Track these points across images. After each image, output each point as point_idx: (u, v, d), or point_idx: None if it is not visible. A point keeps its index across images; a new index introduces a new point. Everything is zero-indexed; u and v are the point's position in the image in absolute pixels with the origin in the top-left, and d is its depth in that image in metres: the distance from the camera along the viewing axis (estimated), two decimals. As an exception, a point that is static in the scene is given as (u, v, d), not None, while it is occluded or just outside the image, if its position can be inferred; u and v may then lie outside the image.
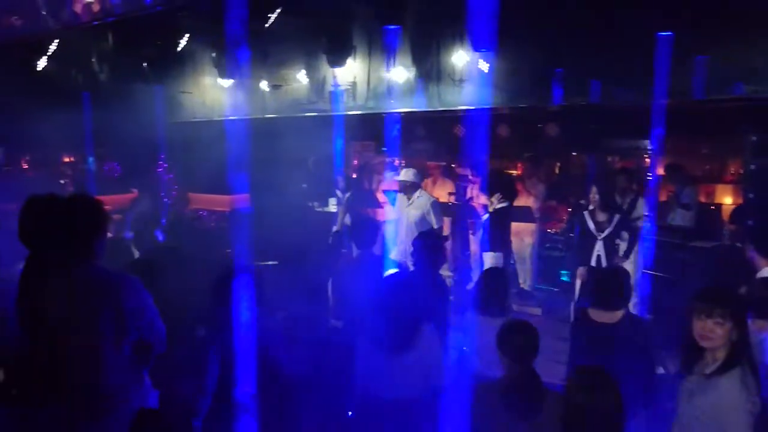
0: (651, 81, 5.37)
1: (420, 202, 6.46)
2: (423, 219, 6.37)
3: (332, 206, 9.05)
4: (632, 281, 5.63)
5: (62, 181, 13.97)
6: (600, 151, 9.60)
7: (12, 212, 3.82)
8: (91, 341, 2.70)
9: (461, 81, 6.42)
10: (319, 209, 9.48)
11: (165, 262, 3.92)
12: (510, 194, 6.50)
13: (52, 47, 7.24)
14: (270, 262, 6.10)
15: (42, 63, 7.40)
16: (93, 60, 7.22)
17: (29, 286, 2.95)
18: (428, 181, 8.22)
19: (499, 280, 3.89)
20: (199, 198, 10.51)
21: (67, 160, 16.58)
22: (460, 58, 6.54)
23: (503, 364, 2.86)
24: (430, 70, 6.49)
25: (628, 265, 5.63)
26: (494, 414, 2.76)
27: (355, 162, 12.58)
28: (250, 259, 5.85)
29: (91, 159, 15.35)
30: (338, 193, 8.16)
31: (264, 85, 8.05)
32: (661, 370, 3.73)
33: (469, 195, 7.90)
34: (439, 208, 6.62)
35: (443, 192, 7.95)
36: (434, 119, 7.96)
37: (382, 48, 6.65)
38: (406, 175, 6.59)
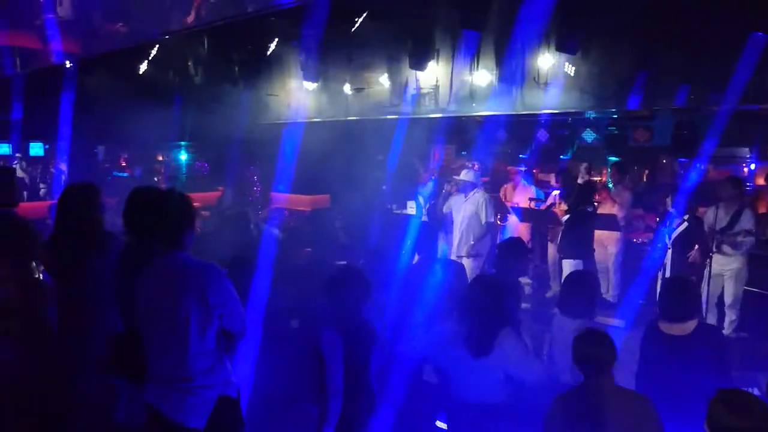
0: (743, 84, 5.07)
1: (475, 197, 6.56)
2: (475, 214, 6.51)
3: (410, 209, 9.08)
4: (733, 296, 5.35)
5: (156, 178, 14.82)
6: (691, 157, 9.13)
7: (110, 206, 4.11)
8: (178, 326, 2.86)
9: (546, 84, 6.28)
10: (398, 212, 9.54)
11: (250, 258, 4.10)
12: (588, 200, 6.29)
13: (153, 52, 7.68)
14: (343, 263, 6.19)
15: (143, 67, 7.86)
16: (189, 64, 7.61)
17: (125, 271, 3.17)
18: (508, 186, 8.08)
19: (584, 280, 3.80)
20: (281, 197, 10.84)
21: (160, 158, 17.53)
22: (546, 60, 6.40)
23: (581, 372, 2.79)
24: (514, 73, 6.39)
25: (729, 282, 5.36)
26: (570, 423, 2.70)
27: (433, 165, 12.57)
28: (329, 258, 5.98)
29: (182, 158, 16.19)
30: (420, 198, 8.17)
31: (347, 88, 8.19)
32: (755, 391, 3.51)
33: (550, 201, 7.73)
34: (493, 204, 6.71)
35: (523, 197, 7.79)
36: (516, 123, 7.84)
37: (466, 51, 6.61)
38: (467, 175, 6.74)
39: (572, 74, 6.31)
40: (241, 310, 3.01)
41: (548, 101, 6.38)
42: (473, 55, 6.61)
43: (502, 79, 6.47)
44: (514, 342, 3.19)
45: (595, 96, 6.41)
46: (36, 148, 11.49)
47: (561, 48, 5.85)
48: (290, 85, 8.78)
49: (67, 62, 8.41)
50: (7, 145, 11.29)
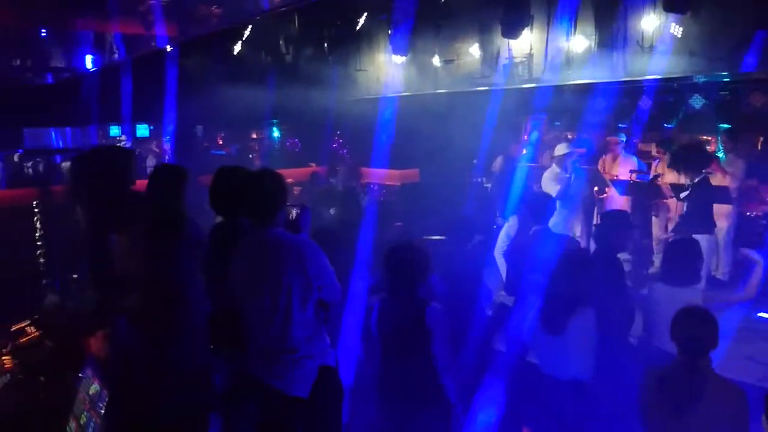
0: None
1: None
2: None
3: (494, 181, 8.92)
4: None
5: (251, 155, 15.37)
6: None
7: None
8: (281, 298, 2.94)
9: (651, 47, 5.87)
10: (488, 185, 9.39)
11: (339, 233, 4.16)
12: (704, 166, 5.88)
13: (247, 33, 7.88)
14: (436, 237, 6.17)
15: (237, 48, 8.08)
16: (280, 42, 7.74)
17: (221, 248, 3.29)
18: (607, 158, 7.70)
19: (687, 247, 3.61)
20: (370, 172, 10.92)
21: (254, 136, 18.15)
22: (651, 22, 5.96)
23: (678, 349, 2.65)
24: (615, 37, 6.00)
25: None
26: (662, 402, 2.60)
27: (525, 137, 12.20)
28: (418, 232, 5.98)
29: (275, 135, 16.68)
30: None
31: (435, 60, 8.05)
32: None
33: (653, 173, 7.31)
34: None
35: (624, 169, 7.41)
36: (616, 90, 7.41)
37: (562, 15, 6.29)
38: (562, 149, 6.70)
39: (680, 36, 5.85)
40: (336, 282, 3.07)
41: (653, 66, 5.96)
42: (571, 20, 6.27)
43: (602, 44, 6.10)
44: (584, 323, 3.12)
45: (705, 58, 5.92)
46: (142, 130, 12.21)
47: (670, 7, 5.42)
48: (379, 60, 8.75)
49: (168, 46, 8.80)
50: (117, 126, 12.05)
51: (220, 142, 16.76)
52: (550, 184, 6.67)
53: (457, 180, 9.23)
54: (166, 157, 15.34)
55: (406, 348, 3.09)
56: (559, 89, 7.70)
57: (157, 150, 14.36)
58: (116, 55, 8.61)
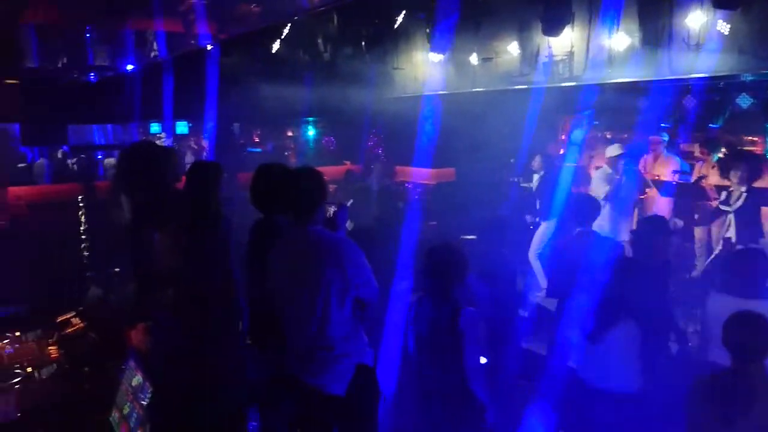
0: None
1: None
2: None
3: (536, 182, 8.81)
4: None
5: (286, 153, 15.50)
6: None
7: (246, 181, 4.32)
8: (319, 295, 2.94)
9: (697, 45, 5.70)
10: (525, 185, 9.27)
11: (375, 231, 4.16)
12: (755, 173, 5.71)
13: (285, 31, 7.93)
14: (469, 237, 6.12)
15: (275, 46, 8.14)
16: (318, 41, 7.76)
17: (261, 245, 3.31)
18: (649, 157, 7.53)
19: (752, 257, 3.46)
20: (405, 171, 10.91)
21: (290, 134, 18.28)
22: (697, 18, 5.80)
23: (730, 356, 2.56)
24: (660, 35, 5.85)
25: None
26: (712, 409, 2.52)
27: (563, 137, 12.01)
28: (452, 232, 5.93)
29: (310, 133, 16.78)
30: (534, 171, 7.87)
31: (473, 58, 7.97)
32: None
33: (697, 174, 7.12)
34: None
35: (666, 170, 7.23)
36: (660, 89, 7.23)
37: (605, 12, 6.16)
38: (615, 150, 6.62)
39: (728, 33, 5.67)
40: (373, 281, 3.06)
41: (700, 64, 5.78)
42: (614, 17, 6.13)
43: (646, 41, 5.94)
44: (627, 332, 3.04)
45: (754, 56, 5.71)
46: (181, 127, 12.41)
47: (718, 4, 5.25)
48: (416, 58, 8.72)
49: (209, 45, 8.92)
50: (158, 124, 12.29)
51: (256, 140, 16.94)
52: (600, 186, 6.60)
53: (494, 179, 9.14)
54: (204, 154, 15.60)
55: (439, 349, 3.07)
56: (598, 87, 7.55)
57: (195, 147, 14.60)
58: (158, 54, 8.77)
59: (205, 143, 15.98)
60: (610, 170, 6.69)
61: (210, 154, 14.98)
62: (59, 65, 8.56)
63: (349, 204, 6.14)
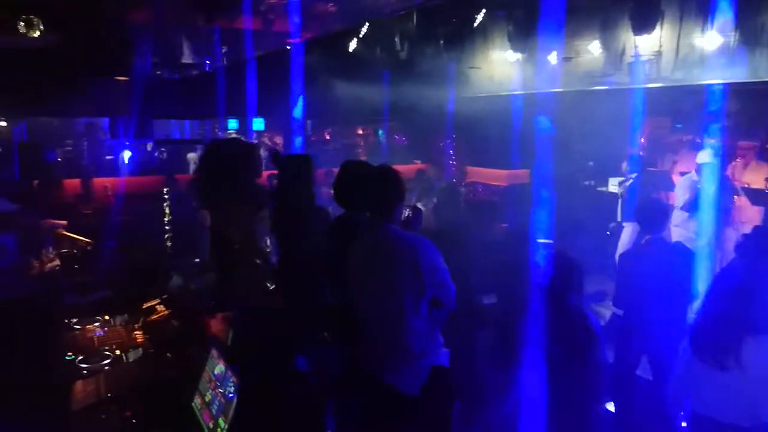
0: None
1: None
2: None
3: (612, 186, 8.54)
4: None
5: (357, 151, 15.64)
6: None
7: (317, 178, 4.37)
8: (394, 294, 2.94)
9: (801, 45, 5.34)
10: (601, 189, 9.01)
11: (448, 233, 4.12)
12: None
13: (363, 30, 7.98)
14: (544, 240, 5.97)
15: (352, 45, 8.21)
16: (395, 40, 7.77)
17: (340, 241, 3.35)
18: (738, 164, 7.14)
19: None
20: (477, 171, 10.79)
21: (360, 132, 18.44)
22: (801, 16, 5.42)
23: None
24: (759, 34, 5.50)
25: None
26: None
27: (642, 140, 11.55)
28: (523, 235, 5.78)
29: (381, 131, 16.86)
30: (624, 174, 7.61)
31: (552, 57, 7.77)
32: None
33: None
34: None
35: (758, 177, 6.85)
36: (753, 91, 6.82)
37: (698, 10, 5.85)
38: (706, 156, 6.32)
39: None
40: (450, 282, 3.04)
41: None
42: (707, 15, 5.82)
43: (742, 41, 5.61)
44: (762, 357, 2.74)
45: None
46: (258, 123, 12.74)
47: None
48: (493, 57, 8.58)
49: (290, 45, 9.11)
50: (235, 120, 12.66)
51: (327, 137, 17.19)
52: (684, 192, 6.31)
53: (569, 182, 8.90)
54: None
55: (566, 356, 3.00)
56: (684, 89, 7.19)
57: (269, 143, 14.97)
58: (239, 53, 9.04)
59: (278, 139, 16.38)
60: (697, 177, 6.37)
61: (284, 150, 15.34)
62: (148, 63, 8.98)
63: (432, 203, 6.15)
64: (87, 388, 3.00)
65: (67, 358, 3.33)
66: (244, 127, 13.22)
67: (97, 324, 3.86)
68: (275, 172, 4.15)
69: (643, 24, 5.51)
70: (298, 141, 10.50)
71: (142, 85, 10.48)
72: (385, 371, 3.03)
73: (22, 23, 6.76)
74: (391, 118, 12.49)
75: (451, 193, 5.49)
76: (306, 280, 3.68)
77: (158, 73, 10.23)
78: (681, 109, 8.87)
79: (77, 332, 3.74)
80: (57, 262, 5.58)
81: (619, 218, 7.72)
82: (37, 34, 6.79)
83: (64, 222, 5.94)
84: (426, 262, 2.95)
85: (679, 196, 6.46)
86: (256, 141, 11.52)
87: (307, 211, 3.75)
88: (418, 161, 11.82)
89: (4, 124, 14.83)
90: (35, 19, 6.71)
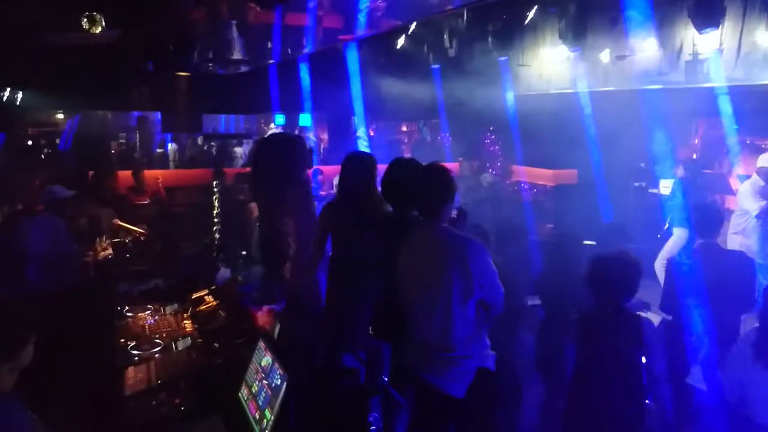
0: None
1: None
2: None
3: (663, 188, 8.26)
4: None
5: (401, 148, 15.62)
6: None
7: None
8: (441, 294, 2.92)
9: None
10: (652, 191, 8.75)
11: (495, 232, 4.06)
12: None
13: (412, 27, 7.95)
14: (588, 242, 5.83)
15: (400, 42, 8.19)
16: (444, 36, 7.70)
17: (389, 238, 3.33)
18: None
19: None
20: (523, 170, 10.62)
21: (404, 128, 18.39)
22: None
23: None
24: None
25: None
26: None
27: (696, 141, 11.18)
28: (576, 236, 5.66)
29: (425, 128, 16.78)
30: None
31: (605, 55, 7.57)
32: None
33: None
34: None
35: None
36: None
37: (763, 6, 5.60)
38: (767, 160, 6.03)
39: None
40: (498, 283, 2.99)
41: None
42: (772, 12, 5.57)
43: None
44: None
45: None
46: (305, 119, 12.87)
47: None
48: (543, 55, 8.42)
49: (342, 43, 9.14)
50: (282, 115, 12.83)
51: (371, 134, 17.24)
52: (749, 198, 6.02)
53: (619, 184, 8.68)
54: (322, 146, 16.10)
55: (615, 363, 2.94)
56: (743, 89, 6.91)
57: (314, 138, 15.11)
58: (290, 50, 9.13)
59: (323, 135, 16.51)
60: (762, 182, 6.04)
61: (329, 146, 15.46)
62: (201, 58, 9.18)
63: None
64: (138, 374, 3.08)
65: (120, 344, 3.43)
66: (291, 123, 13.38)
67: (148, 312, 3.96)
68: (320, 167, 4.18)
69: (706, 21, 5.29)
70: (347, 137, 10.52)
71: (193, 79, 10.72)
72: (430, 371, 3.01)
73: (85, 20, 6.98)
74: (436, 115, 12.42)
75: (493, 192, 5.43)
76: (357, 277, 3.69)
77: (209, 67, 10.43)
78: (740, 110, 8.52)
79: (129, 320, 3.84)
80: (110, 251, 5.76)
81: (666, 225, 7.47)
82: (98, 30, 7.00)
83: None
84: (476, 263, 2.91)
85: (747, 201, 6.13)
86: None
87: (370, 211, 3.74)
88: (461, 159, 11.74)
89: (61, 116, 15.42)
90: (98, 16, 6.91)
